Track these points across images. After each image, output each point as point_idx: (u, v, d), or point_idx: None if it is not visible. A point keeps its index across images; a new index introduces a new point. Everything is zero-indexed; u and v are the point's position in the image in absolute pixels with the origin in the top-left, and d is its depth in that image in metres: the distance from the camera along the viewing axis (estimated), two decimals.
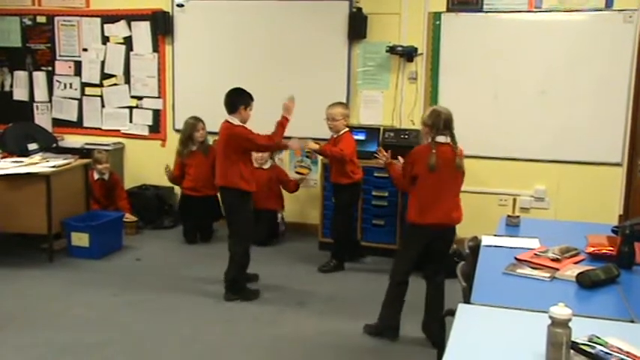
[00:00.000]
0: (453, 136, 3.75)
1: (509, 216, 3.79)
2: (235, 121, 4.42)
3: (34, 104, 6.91)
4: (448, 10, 5.67)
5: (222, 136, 4.45)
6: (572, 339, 1.89)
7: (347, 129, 5.13)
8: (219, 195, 4.77)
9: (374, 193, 5.53)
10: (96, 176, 6.09)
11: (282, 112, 4.59)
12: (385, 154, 4.13)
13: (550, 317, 1.88)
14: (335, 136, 5.12)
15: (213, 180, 4.71)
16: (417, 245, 3.84)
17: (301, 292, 4.74)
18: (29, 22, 6.88)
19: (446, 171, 3.68)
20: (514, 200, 3.95)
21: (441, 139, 3.69)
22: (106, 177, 6.15)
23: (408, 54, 5.74)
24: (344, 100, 5.87)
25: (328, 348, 3.86)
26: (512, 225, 3.72)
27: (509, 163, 5.67)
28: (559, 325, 1.87)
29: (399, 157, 4.10)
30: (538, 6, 5.45)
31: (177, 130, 6.43)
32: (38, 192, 5.17)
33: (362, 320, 4.07)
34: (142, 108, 6.68)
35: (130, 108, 6.71)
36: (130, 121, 6.73)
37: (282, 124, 4.55)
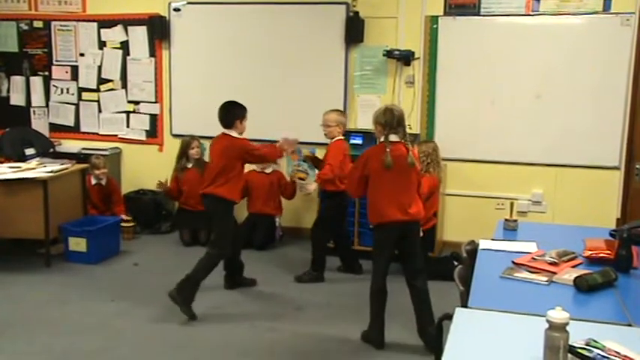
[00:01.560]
0: (405, 135, 3.78)
1: (506, 220, 3.78)
2: (234, 134, 4.38)
3: (31, 109, 6.92)
4: (445, 13, 5.67)
5: (221, 148, 4.38)
6: (570, 343, 1.89)
7: (341, 137, 5.01)
8: (205, 201, 4.51)
9: None
10: (93, 181, 6.08)
11: (279, 144, 4.57)
12: None
13: (547, 321, 1.88)
14: (329, 142, 5.02)
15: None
16: (384, 247, 3.84)
17: (298, 297, 4.73)
18: (26, 27, 6.87)
19: (399, 169, 3.70)
20: (512, 204, 3.94)
21: (393, 137, 3.72)
22: (103, 182, 6.14)
23: (405, 58, 5.74)
24: (341, 105, 5.89)
25: (326, 353, 3.85)
26: (510, 229, 3.72)
27: (506, 166, 5.67)
28: (556, 329, 1.87)
29: None
30: (535, 9, 5.46)
31: (175, 135, 6.44)
32: (35, 197, 5.16)
33: (359, 325, 4.05)
34: (139, 113, 6.67)
35: (127, 113, 6.70)
36: (127, 126, 6.72)
37: (275, 151, 4.56)
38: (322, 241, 5.11)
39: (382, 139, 3.75)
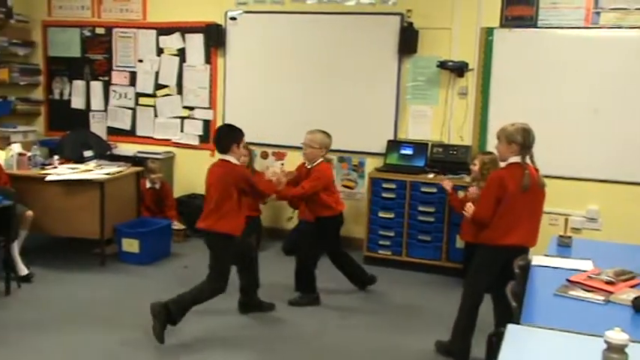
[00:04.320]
0: (532, 156, 3.70)
1: (560, 236, 3.71)
2: (233, 159, 4.13)
3: (90, 113, 7.15)
4: (501, 25, 5.61)
5: (219, 175, 4.11)
6: None
7: (322, 160, 4.67)
8: (204, 237, 4.30)
9: (420, 209, 5.49)
10: (148, 185, 6.23)
11: (276, 179, 4.39)
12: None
13: (605, 342, 1.84)
14: (308, 166, 4.69)
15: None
16: (494, 267, 3.70)
17: (343, 307, 4.75)
18: (88, 34, 7.11)
19: (532, 191, 3.62)
20: (565, 220, 3.86)
21: (526, 159, 3.64)
22: (157, 186, 6.28)
23: (459, 69, 5.70)
24: (392, 114, 5.90)
25: None
26: (564, 245, 3.65)
27: (561, 181, 5.52)
28: (615, 350, 1.83)
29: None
30: (595, 22, 5.34)
31: None
32: (92, 198, 5.32)
33: (414, 335, 4.02)
34: (193, 118, 6.81)
35: (182, 118, 6.85)
36: (181, 131, 6.87)
37: (271, 187, 4.39)
38: (310, 262, 4.72)
39: (516, 160, 3.64)
